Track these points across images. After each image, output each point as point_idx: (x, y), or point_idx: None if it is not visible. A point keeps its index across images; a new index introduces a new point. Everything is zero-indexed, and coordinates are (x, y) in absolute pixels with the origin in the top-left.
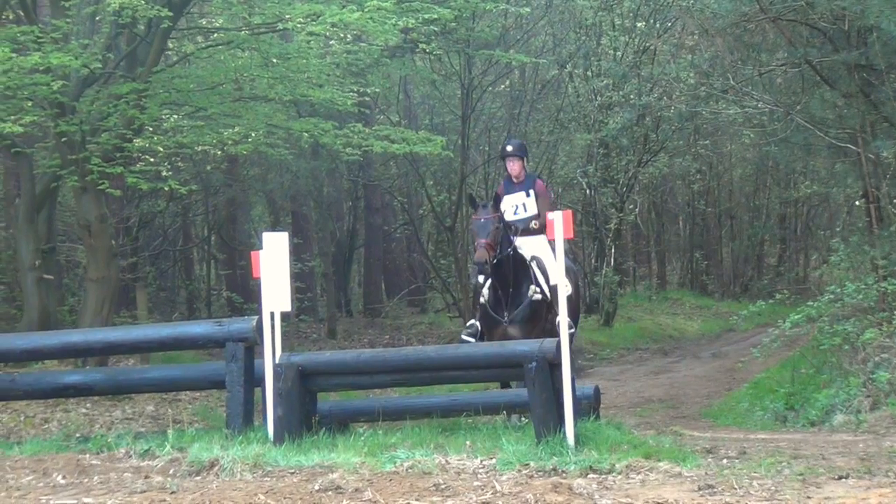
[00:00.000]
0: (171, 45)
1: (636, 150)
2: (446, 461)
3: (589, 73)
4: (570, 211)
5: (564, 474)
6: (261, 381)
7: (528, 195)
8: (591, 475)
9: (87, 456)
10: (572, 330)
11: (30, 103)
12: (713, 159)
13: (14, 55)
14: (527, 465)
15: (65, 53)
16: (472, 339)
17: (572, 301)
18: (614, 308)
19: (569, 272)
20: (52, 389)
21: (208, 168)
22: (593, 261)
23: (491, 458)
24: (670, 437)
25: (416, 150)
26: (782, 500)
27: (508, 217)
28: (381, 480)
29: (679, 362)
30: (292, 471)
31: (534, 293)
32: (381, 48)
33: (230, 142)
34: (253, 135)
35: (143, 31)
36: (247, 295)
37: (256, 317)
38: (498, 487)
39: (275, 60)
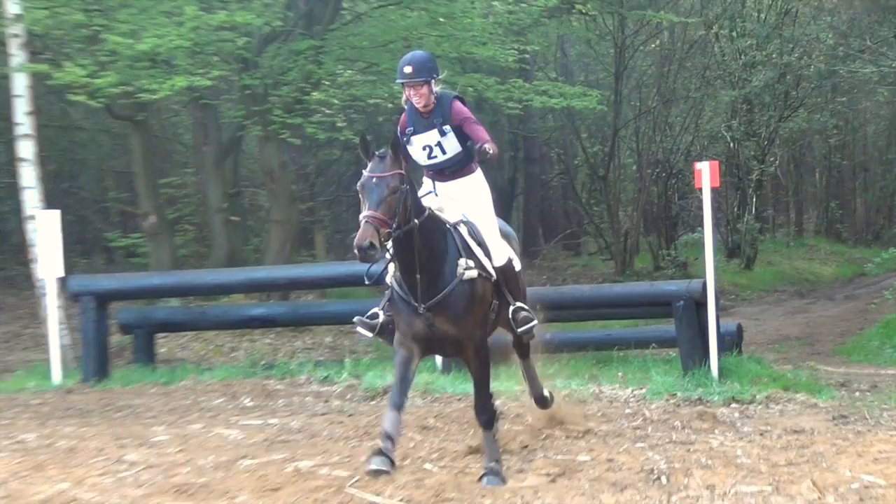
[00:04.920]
0: (345, 5)
1: (777, 106)
2: (600, 390)
3: (734, 34)
4: (716, 161)
5: (709, 404)
6: None
7: (443, 133)
8: (733, 405)
9: (272, 381)
10: (533, 323)
11: (216, 59)
12: (849, 115)
13: (202, 13)
14: (674, 395)
15: (248, 12)
16: (369, 334)
17: (521, 278)
18: (755, 253)
19: (507, 238)
20: (239, 321)
21: (380, 119)
22: (735, 209)
23: (641, 389)
24: (806, 371)
25: (573, 104)
26: None
27: (422, 162)
28: (540, 409)
29: (814, 303)
30: (458, 397)
31: (465, 269)
32: (541, 9)
33: (400, 95)
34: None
35: None
36: None
37: None
38: (648, 414)
39: (441, 20)
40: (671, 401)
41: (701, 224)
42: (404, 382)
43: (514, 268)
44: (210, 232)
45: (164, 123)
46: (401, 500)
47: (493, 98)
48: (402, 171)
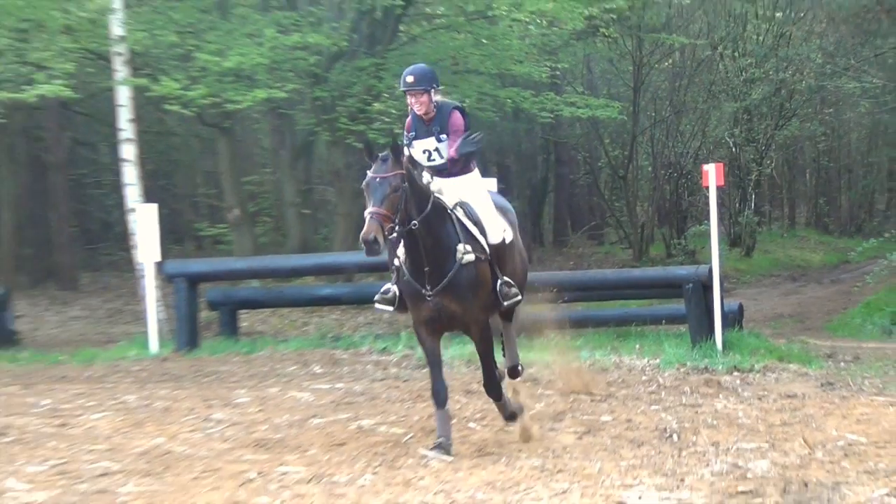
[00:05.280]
0: (402, 28)
1: (773, 116)
2: (620, 360)
3: (736, 54)
4: (721, 164)
5: (714, 372)
6: None
7: (440, 140)
8: (735, 373)
9: (338, 351)
10: (518, 298)
11: (291, 74)
12: (835, 124)
13: (279, 35)
14: (684, 364)
15: (319, 34)
16: (390, 308)
17: (513, 248)
18: (753, 242)
19: (504, 212)
20: (310, 299)
21: None
22: (737, 204)
23: (655, 359)
24: (798, 344)
25: (597, 114)
26: (888, 395)
27: (423, 163)
28: (568, 374)
29: (805, 286)
30: (498, 366)
31: (464, 254)
32: (570, 32)
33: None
34: (467, 101)
35: (380, 16)
36: None
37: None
38: (661, 381)
39: (485, 41)
40: (681, 369)
41: (707, 217)
42: (438, 371)
43: (506, 245)
44: (285, 223)
45: (247, 129)
46: (445, 455)
47: (528, 108)
48: (403, 172)
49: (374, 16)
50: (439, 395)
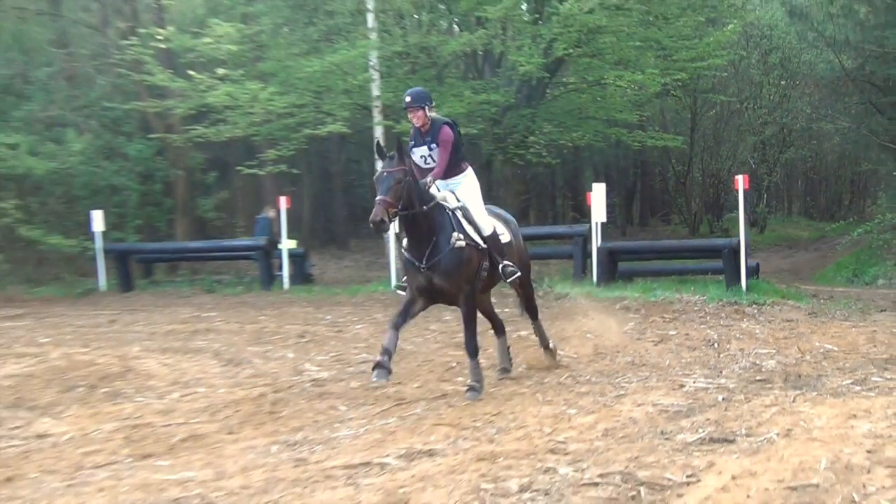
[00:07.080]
0: (548, 91)
1: (778, 145)
2: (681, 297)
3: (755, 106)
4: (746, 175)
5: (740, 305)
6: (590, 255)
7: (431, 149)
8: (754, 306)
9: (507, 289)
10: (517, 274)
11: (479, 119)
12: (818, 151)
13: (473, 95)
14: (721, 300)
15: (497, 94)
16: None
17: (511, 247)
18: (765, 224)
19: (506, 223)
20: None
21: (565, 151)
22: (755, 200)
23: (703, 296)
24: (794, 288)
25: (668, 144)
26: (852, 321)
27: (421, 166)
28: (649, 306)
29: (797, 252)
30: (605, 299)
31: (456, 240)
32: (651, 93)
33: (576, 138)
34: (586, 135)
35: (535, 83)
36: (582, 213)
37: (588, 224)
38: (707, 310)
39: (598, 98)
40: (720, 303)
41: (737, 208)
42: (405, 314)
43: (499, 238)
44: None
45: None
46: (572, 354)
47: (626, 140)
48: (406, 168)
49: (530, 83)
50: (394, 323)
